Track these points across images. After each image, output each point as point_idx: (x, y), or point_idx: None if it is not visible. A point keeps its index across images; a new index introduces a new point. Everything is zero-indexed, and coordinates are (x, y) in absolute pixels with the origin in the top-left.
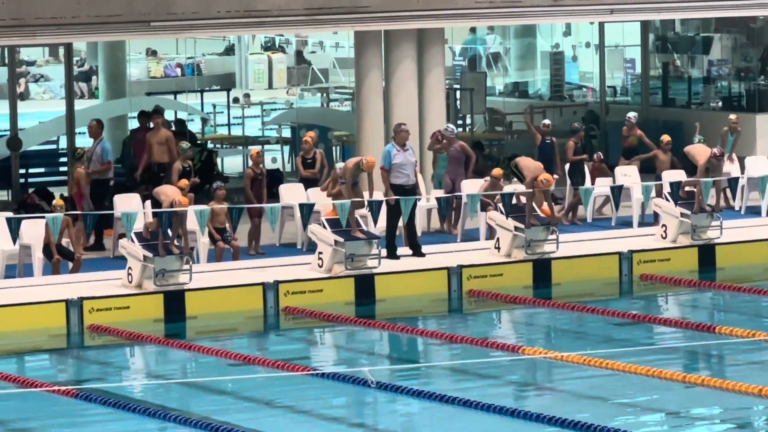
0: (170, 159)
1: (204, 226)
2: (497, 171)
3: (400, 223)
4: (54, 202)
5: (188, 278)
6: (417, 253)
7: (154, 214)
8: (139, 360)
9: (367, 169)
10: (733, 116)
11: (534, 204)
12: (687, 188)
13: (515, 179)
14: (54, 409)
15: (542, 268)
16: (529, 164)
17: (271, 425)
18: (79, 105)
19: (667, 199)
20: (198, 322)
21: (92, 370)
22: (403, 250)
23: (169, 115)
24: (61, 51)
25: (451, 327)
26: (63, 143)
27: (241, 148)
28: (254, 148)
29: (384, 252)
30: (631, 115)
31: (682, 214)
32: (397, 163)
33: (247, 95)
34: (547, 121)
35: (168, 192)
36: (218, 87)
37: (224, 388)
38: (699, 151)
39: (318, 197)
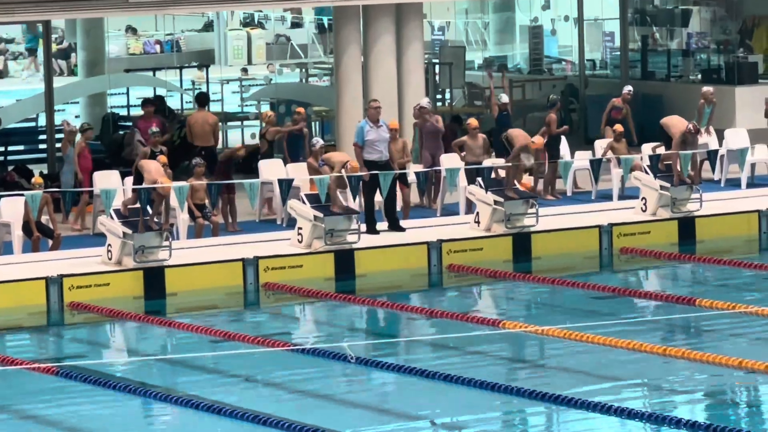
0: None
1: (183, 202)
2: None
3: (378, 198)
4: (33, 179)
5: (168, 255)
6: (396, 227)
7: (133, 191)
8: (119, 337)
9: (350, 172)
10: (708, 88)
11: (515, 178)
12: (665, 161)
13: (494, 154)
14: (34, 387)
15: (522, 242)
16: (518, 134)
17: (250, 401)
18: (58, 82)
19: (646, 172)
20: (178, 298)
21: (72, 348)
22: (383, 225)
23: (147, 92)
24: (40, 28)
25: (431, 302)
26: (42, 121)
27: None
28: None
29: (364, 227)
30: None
31: (662, 187)
32: (370, 140)
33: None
34: (504, 98)
35: (152, 169)
36: (197, 63)
37: (204, 364)
38: (674, 123)
39: (298, 173)
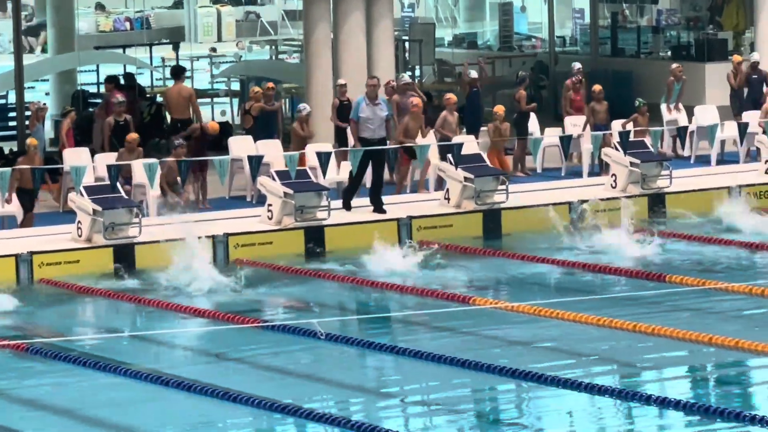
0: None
1: (153, 179)
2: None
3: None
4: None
5: (138, 232)
6: (379, 209)
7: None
8: (89, 314)
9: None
10: (677, 65)
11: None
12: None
13: (464, 130)
14: (4, 364)
15: (492, 219)
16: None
17: (220, 377)
18: (28, 59)
19: (616, 149)
20: (148, 275)
21: (42, 325)
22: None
23: (117, 69)
24: (9, 5)
25: (402, 278)
26: (12, 98)
27: None
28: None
29: (335, 203)
30: (577, 67)
31: (632, 164)
32: (363, 117)
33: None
34: (474, 74)
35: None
36: (167, 40)
37: (174, 340)
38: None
39: (268, 150)
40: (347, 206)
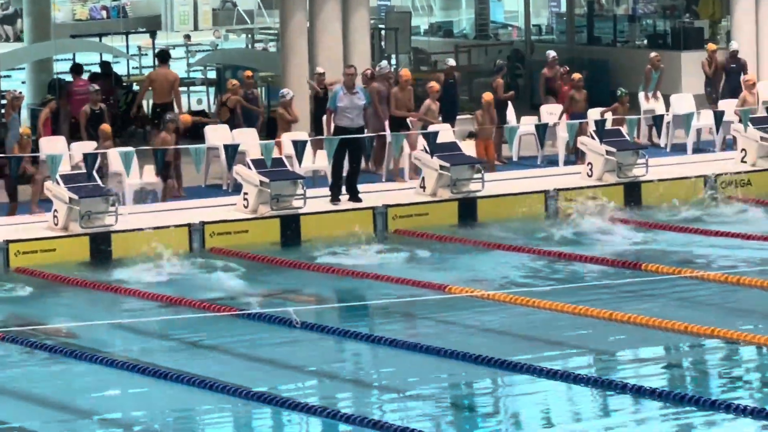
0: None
1: (129, 167)
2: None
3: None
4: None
5: (114, 220)
6: (355, 198)
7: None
8: (65, 302)
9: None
10: (655, 54)
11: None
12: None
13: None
14: None
15: (468, 207)
16: (486, 96)
17: (197, 366)
18: (4, 48)
19: (592, 137)
20: (124, 263)
21: (18, 313)
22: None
23: (94, 57)
24: None
25: (377, 267)
26: None
27: None
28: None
29: (310, 192)
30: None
31: (608, 152)
32: (341, 106)
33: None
34: (451, 62)
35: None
36: (144, 29)
37: (150, 329)
38: None
39: (245, 138)
40: (336, 199)
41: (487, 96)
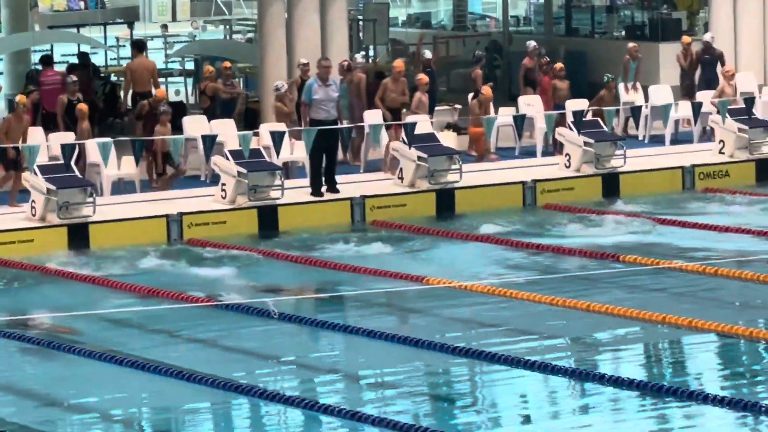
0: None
1: (107, 158)
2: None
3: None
4: None
5: (92, 211)
6: (333, 189)
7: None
8: (42, 293)
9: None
10: (633, 44)
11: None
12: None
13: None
14: None
15: (446, 198)
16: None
17: (174, 356)
18: None
19: (570, 128)
20: (102, 254)
21: None
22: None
23: (72, 48)
24: None
25: (355, 258)
26: None
27: None
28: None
29: (288, 183)
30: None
31: (586, 143)
32: (317, 99)
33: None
34: (428, 53)
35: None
36: (122, 20)
37: (128, 320)
38: None
39: (223, 129)
40: (318, 193)
41: (487, 92)
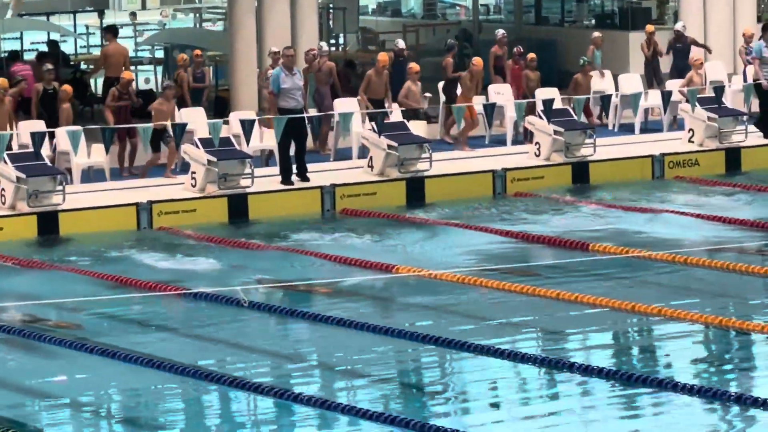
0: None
1: (77, 147)
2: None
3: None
4: None
5: (61, 199)
6: (302, 177)
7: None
8: (11, 282)
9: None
10: (598, 33)
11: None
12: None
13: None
14: None
15: (416, 187)
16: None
17: (144, 345)
18: None
19: (540, 117)
20: (72, 243)
21: None
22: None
23: (41, 36)
24: None
25: (324, 246)
26: None
27: None
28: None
29: (258, 171)
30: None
31: (556, 132)
32: (285, 88)
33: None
34: (401, 44)
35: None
36: (91, 8)
37: (98, 308)
38: None
39: (193, 117)
40: (288, 182)
41: (479, 63)
